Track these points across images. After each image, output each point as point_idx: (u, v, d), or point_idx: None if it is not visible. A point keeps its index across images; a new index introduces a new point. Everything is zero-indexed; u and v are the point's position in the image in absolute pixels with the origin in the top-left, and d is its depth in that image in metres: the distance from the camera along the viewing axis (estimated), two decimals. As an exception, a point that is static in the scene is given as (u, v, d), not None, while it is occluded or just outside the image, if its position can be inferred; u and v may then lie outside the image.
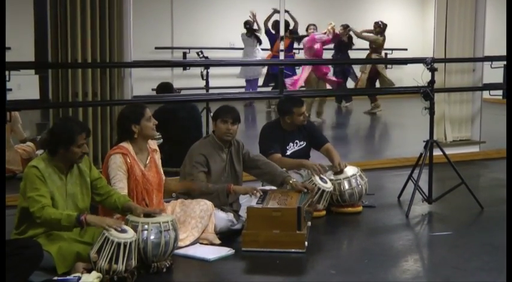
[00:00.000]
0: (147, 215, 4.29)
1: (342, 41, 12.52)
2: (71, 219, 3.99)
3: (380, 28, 12.61)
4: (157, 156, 4.94)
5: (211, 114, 6.92)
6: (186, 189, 5.09)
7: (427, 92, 5.73)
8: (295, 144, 6.05)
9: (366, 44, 12.89)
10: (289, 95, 7.20)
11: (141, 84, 9.63)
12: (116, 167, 4.59)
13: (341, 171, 5.80)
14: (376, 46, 12.60)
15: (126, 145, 4.71)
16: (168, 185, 5.01)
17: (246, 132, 10.07)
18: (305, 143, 6.09)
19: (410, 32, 16.38)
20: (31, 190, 4.05)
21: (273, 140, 5.94)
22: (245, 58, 12.95)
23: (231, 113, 5.27)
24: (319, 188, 5.51)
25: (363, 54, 13.07)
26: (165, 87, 7.44)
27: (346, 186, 5.70)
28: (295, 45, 12.53)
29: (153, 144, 4.94)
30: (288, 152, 5.99)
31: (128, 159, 4.64)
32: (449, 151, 6.43)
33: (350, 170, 5.83)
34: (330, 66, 12.28)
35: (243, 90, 12.86)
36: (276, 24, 11.47)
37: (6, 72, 5.79)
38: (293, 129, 6.04)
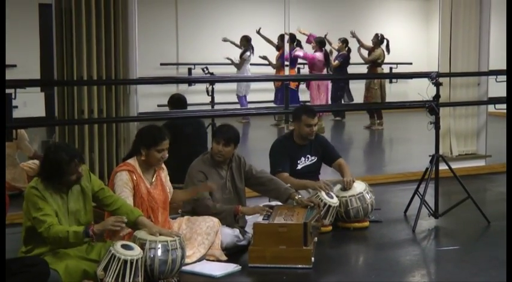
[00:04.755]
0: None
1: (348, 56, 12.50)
2: (78, 235, 4.00)
3: (377, 39, 12.57)
4: (164, 174, 4.94)
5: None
6: (192, 197, 5.06)
7: (432, 107, 5.74)
8: (306, 159, 6.02)
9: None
10: (307, 105, 7.12)
11: (147, 100, 9.64)
12: (122, 184, 4.59)
13: (349, 188, 5.77)
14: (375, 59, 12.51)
15: (133, 162, 4.71)
16: (176, 195, 5.01)
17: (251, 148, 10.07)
18: (316, 158, 6.07)
19: (415, 46, 16.39)
20: (34, 211, 4.06)
21: (282, 156, 5.89)
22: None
23: (224, 134, 5.21)
24: (325, 203, 5.50)
25: (362, 69, 13.04)
26: (177, 100, 7.17)
27: (354, 204, 5.67)
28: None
29: (158, 162, 4.94)
30: (299, 166, 5.97)
31: (134, 177, 4.65)
32: (455, 165, 6.43)
33: (358, 187, 5.80)
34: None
35: (248, 105, 12.86)
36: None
37: (12, 90, 5.81)
38: (305, 144, 6.02)
